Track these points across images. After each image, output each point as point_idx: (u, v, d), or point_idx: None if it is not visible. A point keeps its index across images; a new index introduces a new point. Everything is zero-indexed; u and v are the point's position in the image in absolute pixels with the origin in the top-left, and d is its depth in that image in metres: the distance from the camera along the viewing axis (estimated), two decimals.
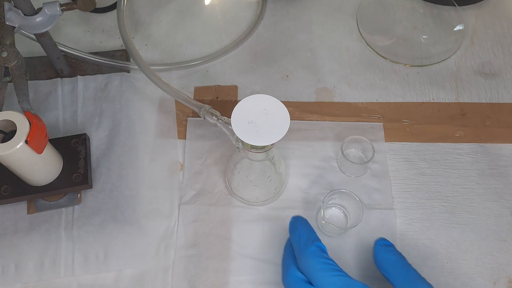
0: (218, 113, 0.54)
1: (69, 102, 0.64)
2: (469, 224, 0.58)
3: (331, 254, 0.56)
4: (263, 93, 0.46)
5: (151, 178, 0.60)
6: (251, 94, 0.66)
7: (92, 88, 0.65)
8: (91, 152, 0.60)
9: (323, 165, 0.61)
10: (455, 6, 0.72)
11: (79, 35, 0.71)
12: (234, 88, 0.67)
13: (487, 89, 0.67)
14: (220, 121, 0.53)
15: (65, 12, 0.57)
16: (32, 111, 0.51)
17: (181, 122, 0.64)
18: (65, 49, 0.67)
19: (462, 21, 0.71)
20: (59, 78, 0.66)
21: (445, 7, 0.73)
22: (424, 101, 0.66)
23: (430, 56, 0.70)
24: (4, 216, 0.57)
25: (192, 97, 0.63)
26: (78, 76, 0.66)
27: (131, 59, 0.65)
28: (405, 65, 0.69)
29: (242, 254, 0.56)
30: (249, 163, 0.52)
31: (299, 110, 0.65)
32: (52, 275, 0.54)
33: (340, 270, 0.45)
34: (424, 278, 0.47)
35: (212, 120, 0.53)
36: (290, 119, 0.44)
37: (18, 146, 0.47)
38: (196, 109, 0.56)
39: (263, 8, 0.74)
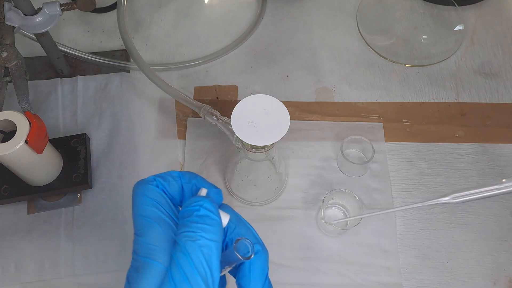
0: (218, 113, 0.53)
1: (69, 102, 0.64)
2: (469, 224, 0.58)
3: (331, 254, 0.56)
4: (263, 93, 0.46)
5: None
6: (251, 94, 0.66)
7: (92, 88, 0.65)
8: (91, 152, 0.60)
9: (323, 165, 0.61)
10: (455, 6, 0.72)
11: (79, 35, 0.71)
12: (234, 88, 0.67)
13: (487, 89, 0.67)
14: (220, 121, 0.53)
15: (65, 12, 0.57)
16: (32, 111, 0.51)
17: (181, 122, 0.64)
18: (65, 49, 0.67)
19: (462, 21, 0.71)
20: (59, 78, 0.66)
21: (445, 7, 0.73)
22: (424, 101, 0.66)
23: (430, 56, 0.70)
24: (4, 216, 0.57)
25: (192, 97, 0.63)
26: (78, 76, 0.66)
27: (131, 59, 0.65)
28: (405, 65, 0.69)
29: None
30: (249, 163, 0.52)
31: (299, 110, 0.65)
32: (52, 275, 0.54)
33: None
34: None
35: (212, 120, 0.53)
36: (290, 119, 0.44)
37: (18, 146, 0.47)
38: (196, 109, 0.56)
39: (263, 8, 0.74)
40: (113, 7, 0.74)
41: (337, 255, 0.56)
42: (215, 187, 0.33)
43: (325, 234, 0.57)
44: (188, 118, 0.64)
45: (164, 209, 0.31)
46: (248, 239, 0.32)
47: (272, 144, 0.46)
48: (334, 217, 0.58)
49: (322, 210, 0.54)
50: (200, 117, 0.55)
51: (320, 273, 0.55)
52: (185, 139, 0.63)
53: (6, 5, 0.55)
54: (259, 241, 0.34)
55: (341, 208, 0.58)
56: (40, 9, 0.56)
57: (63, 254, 0.55)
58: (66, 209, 0.58)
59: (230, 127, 0.50)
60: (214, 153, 0.62)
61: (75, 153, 0.57)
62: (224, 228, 0.31)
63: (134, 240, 0.31)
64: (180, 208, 0.32)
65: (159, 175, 0.33)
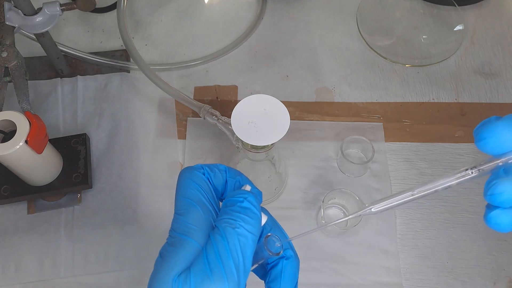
0: (218, 113, 0.53)
1: (69, 102, 0.64)
2: (469, 224, 0.58)
3: (331, 254, 0.56)
4: (263, 93, 0.46)
5: (151, 178, 0.60)
6: (251, 94, 0.66)
7: (92, 88, 0.65)
8: (91, 152, 0.60)
9: (323, 165, 0.61)
10: (455, 6, 0.72)
11: (79, 35, 0.71)
12: (234, 88, 0.67)
13: (487, 89, 0.67)
14: (220, 121, 0.53)
15: (65, 12, 0.57)
16: (32, 111, 0.51)
17: (181, 122, 0.64)
18: (65, 49, 0.67)
19: (462, 21, 0.71)
20: (59, 78, 0.66)
21: (445, 7, 0.73)
22: (424, 101, 0.66)
23: (430, 56, 0.70)
24: (4, 216, 0.57)
25: (192, 97, 0.63)
26: (78, 76, 0.66)
27: (131, 59, 0.65)
28: (405, 65, 0.69)
29: None
30: (249, 163, 0.52)
31: (299, 110, 0.65)
32: (52, 275, 0.54)
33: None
34: None
35: (212, 120, 0.53)
36: (290, 119, 0.44)
37: (18, 146, 0.47)
38: (196, 109, 0.56)
39: (263, 8, 0.74)
40: (113, 7, 0.74)
41: (337, 255, 0.56)
42: (257, 188, 0.34)
43: (325, 234, 0.57)
44: (188, 118, 0.64)
45: (207, 196, 0.32)
46: (277, 236, 0.33)
47: (272, 144, 0.46)
48: (334, 217, 0.58)
49: (322, 210, 0.54)
50: (200, 117, 0.55)
51: (320, 273, 0.55)
52: (185, 139, 0.63)
53: (6, 5, 0.55)
54: (292, 247, 0.35)
55: (341, 208, 0.58)
56: (40, 9, 0.56)
57: (63, 254, 0.55)
58: (66, 209, 0.58)
59: (230, 127, 0.50)
60: (214, 153, 0.62)
61: (75, 153, 0.57)
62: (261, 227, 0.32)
63: (174, 218, 0.32)
64: (221, 203, 0.33)
65: (207, 165, 0.34)
